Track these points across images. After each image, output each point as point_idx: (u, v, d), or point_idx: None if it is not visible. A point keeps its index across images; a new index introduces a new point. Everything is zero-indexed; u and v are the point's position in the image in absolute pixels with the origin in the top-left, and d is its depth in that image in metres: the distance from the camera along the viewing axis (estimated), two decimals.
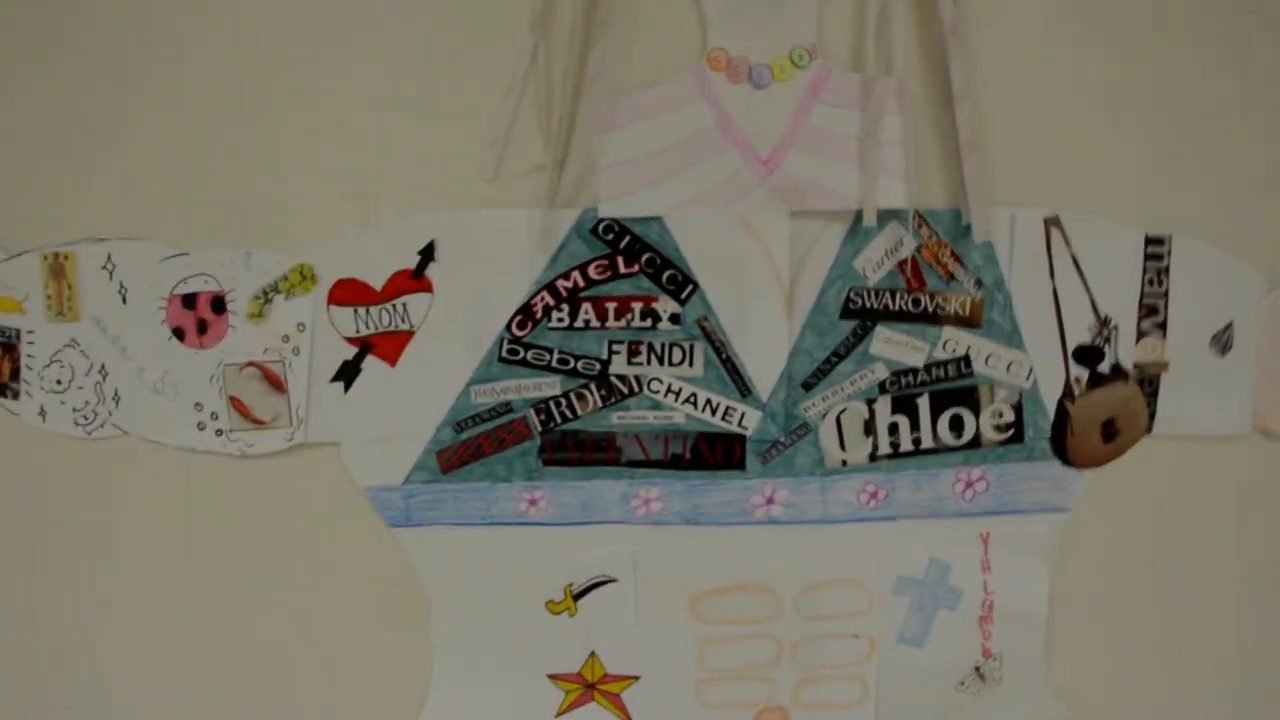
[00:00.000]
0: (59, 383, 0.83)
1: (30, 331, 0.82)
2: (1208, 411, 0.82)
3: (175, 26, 0.78)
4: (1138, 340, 0.80)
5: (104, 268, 0.81)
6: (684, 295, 0.78)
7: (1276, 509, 0.84)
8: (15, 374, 0.83)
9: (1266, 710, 0.86)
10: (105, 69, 0.79)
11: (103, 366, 0.82)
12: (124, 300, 0.81)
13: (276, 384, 0.80)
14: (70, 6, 0.78)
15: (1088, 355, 0.80)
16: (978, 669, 0.84)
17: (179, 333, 0.81)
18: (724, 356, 0.78)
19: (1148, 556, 0.84)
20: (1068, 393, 0.80)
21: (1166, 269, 0.80)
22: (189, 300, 0.81)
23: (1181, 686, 0.86)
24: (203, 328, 0.81)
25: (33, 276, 0.82)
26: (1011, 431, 0.81)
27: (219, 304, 0.81)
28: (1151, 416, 0.81)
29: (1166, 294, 0.80)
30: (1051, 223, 0.78)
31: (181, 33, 0.78)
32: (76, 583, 0.83)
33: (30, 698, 0.85)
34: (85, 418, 0.83)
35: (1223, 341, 0.81)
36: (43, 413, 0.83)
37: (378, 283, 0.79)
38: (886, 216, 0.77)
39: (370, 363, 0.80)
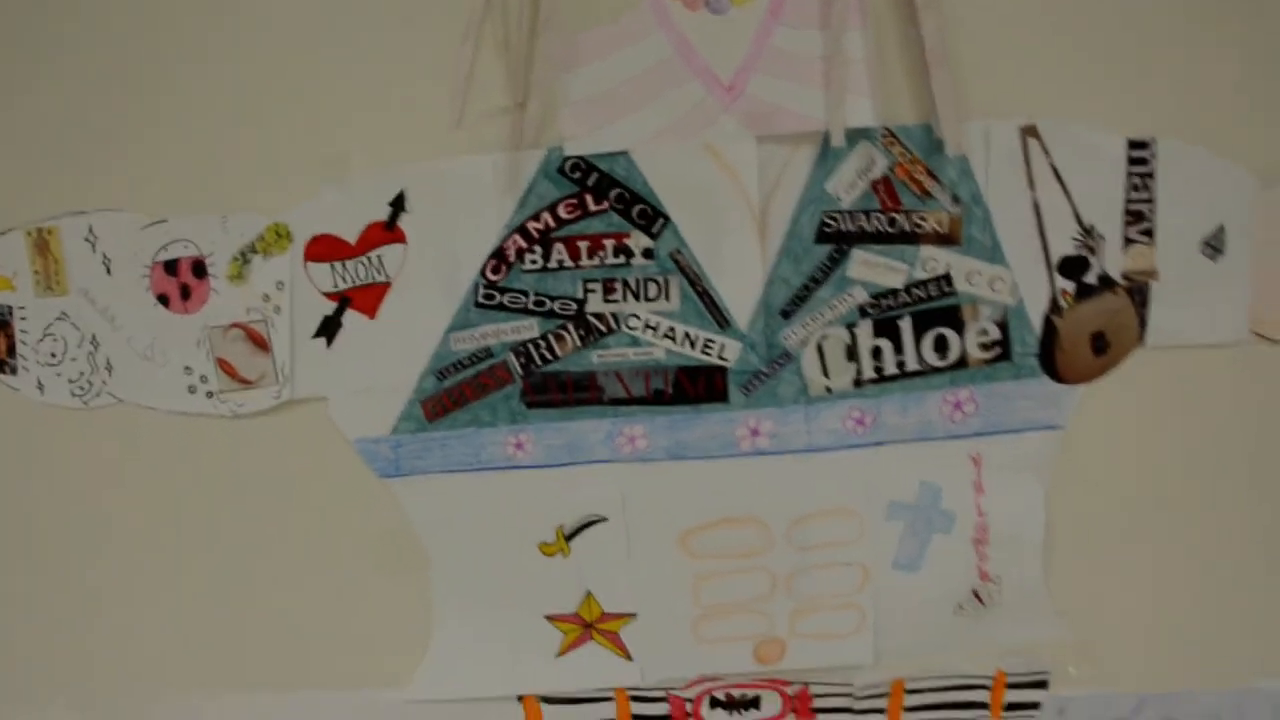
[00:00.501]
0: (53, 355, 0.85)
1: (22, 308, 0.85)
2: (1201, 319, 0.80)
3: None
4: (1125, 248, 0.79)
5: (86, 240, 0.83)
6: (656, 229, 0.78)
7: (1275, 414, 0.82)
8: (11, 350, 0.85)
9: (1272, 621, 0.84)
10: (75, 45, 0.80)
11: (94, 337, 0.84)
12: (108, 271, 0.82)
13: (261, 343, 0.82)
14: None
15: (1073, 267, 0.79)
16: (975, 592, 0.84)
17: (164, 299, 0.83)
18: (700, 289, 0.78)
19: (1146, 470, 0.83)
20: (1054, 307, 0.79)
21: (1151, 174, 0.78)
22: (171, 266, 0.82)
23: (1185, 601, 0.85)
24: (186, 293, 0.82)
25: (19, 253, 0.84)
26: (998, 349, 0.80)
27: (200, 268, 0.82)
28: (1143, 327, 0.80)
29: (1153, 199, 0.78)
30: (1028, 132, 0.77)
31: (147, 1, 0.79)
32: (83, 545, 0.86)
33: (32, 651, 0.88)
34: (81, 388, 0.85)
35: (1214, 245, 0.79)
36: (40, 386, 0.85)
37: (352, 236, 0.80)
38: (856, 136, 0.76)
39: (350, 316, 0.81)
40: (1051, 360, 0.80)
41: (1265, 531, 0.83)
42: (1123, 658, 0.86)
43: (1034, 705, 0.87)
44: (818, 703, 0.87)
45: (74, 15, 0.80)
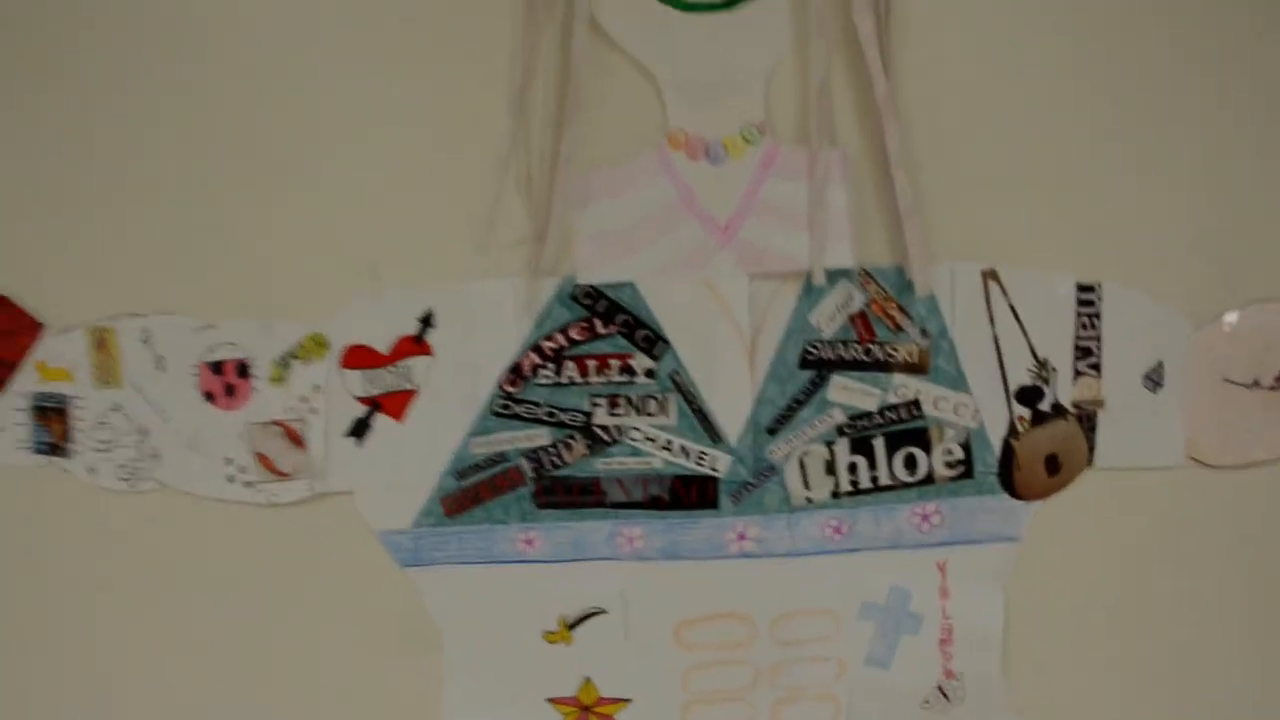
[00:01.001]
0: (105, 442, 0.94)
1: (80, 398, 0.94)
2: (1143, 444, 0.90)
3: (208, 124, 0.89)
4: (1075, 380, 0.89)
5: (142, 340, 0.92)
6: (657, 352, 0.88)
7: (1210, 533, 0.91)
8: (67, 435, 0.94)
9: (1205, 710, 0.93)
10: (143, 163, 0.90)
11: (143, 428, 0.93)
12: (160, 368, 0.92)
13: (297, 440, 0.91)
14: (116, 107, 0.90)
15: (1029, 395, 0.89)
16: (941, 689, 0.92)
17: (209, 396, 0.92)
18: (695, 406, 0.88)
19: (1096, 580, 0.92)
20: (1012, 431, 0.89)
21: (1098, 314, 0.88)
22: (217, 367, 0.92)
23: (1134, 701, 0.93)
24: (230, 391, 0.92)
25: (79, 349, 0.93)
26: (962, 468, 0.89)
27: (244, 369, 0.91)
28: (1091, 450, 0.89)
29: (1099, 337, 0.88)
30: (989, 275, 0.87)
31: (211, 129, 0.89)
32: (123, 617, 0.94)
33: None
34: (129, 473, 0.93)
35: (1154, 379, 0.89)
36: (92, 470, 0.94)
37: (384, 347, 0.89)
38: (836, 275, 0.86)
39: (379, 419, 0.90)
40: (1010, 479, 0.89)
41: (1203, 636, 0.92)
42: None
43: None
44: None
45: (137, 138, 0.90)
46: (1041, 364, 0.88)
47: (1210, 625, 0.92)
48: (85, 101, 0.90)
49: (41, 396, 0.94)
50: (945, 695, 0.92)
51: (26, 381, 0.94)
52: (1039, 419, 0.89)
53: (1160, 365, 0.89)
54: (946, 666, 0.91)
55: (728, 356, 0.87)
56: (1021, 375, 0.88)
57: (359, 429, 0.90)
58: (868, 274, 0.87)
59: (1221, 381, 0.90)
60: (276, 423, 0.91)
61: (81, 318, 0.92)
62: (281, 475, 0.91)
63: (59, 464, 0.94)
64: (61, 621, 0.94)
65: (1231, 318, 0.89)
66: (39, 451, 0.94)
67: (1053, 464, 0.89)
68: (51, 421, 0.94)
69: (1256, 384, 0.90)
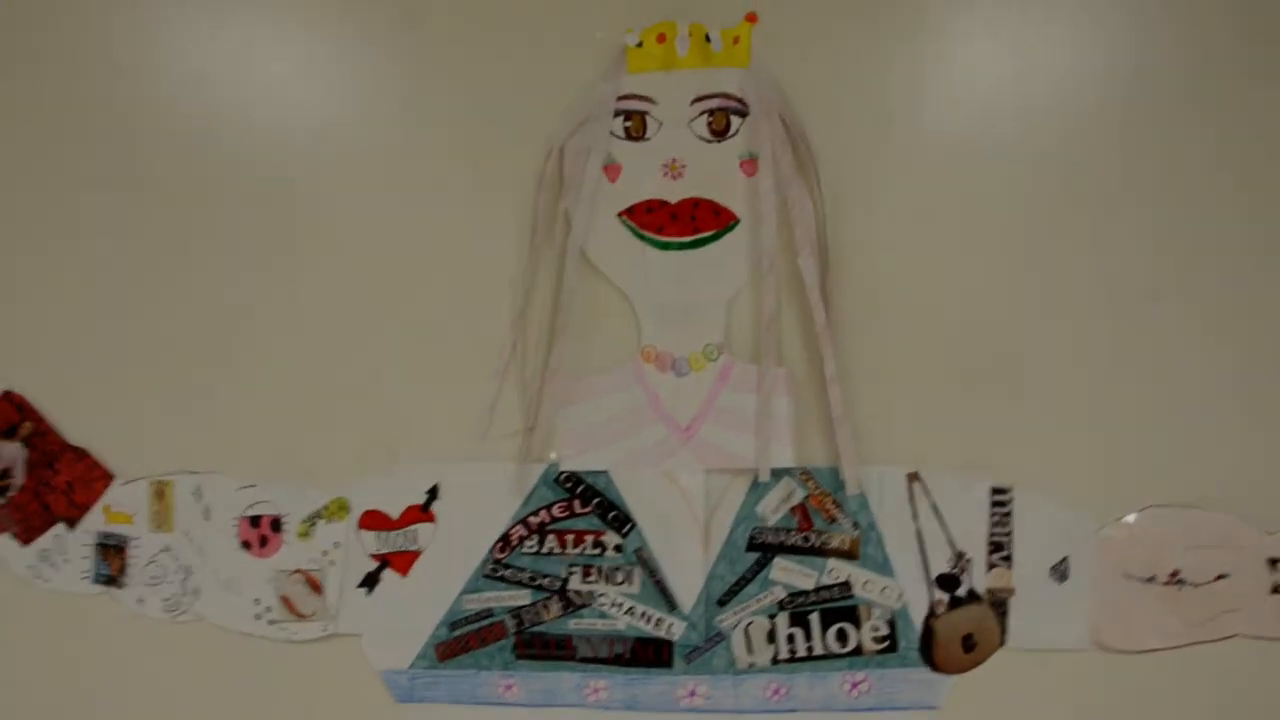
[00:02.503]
0: (154, 578, 1.12)
1: (136, 538, 1.13)
2: (1051, 629, 1.04)
3: (264, 322, 1.10)
4: (988, 570, 1.04)
5: (194, 493, 1.11)
6: (625, 530, 1.05)
7: (1111, 709, 1.05)
8: (123, 569, 1.13)
9: None
10: (207, 345, 1.11)
11: (188, 567, 1.11)
12: (207, 518, 1.11)
13: (316, 587, 1.09)
14: (187, 296, 1.11)
15: (947, 582, 1.04)
16: None
17: (246, 544, 1.10)
18: (656, 579, 1.05)
19: None
20: (932, 612, 1.04)
21: (1010, 513, 1.04)
22: (255, 521, 1.10)
23: None
24: (264, 542, 1.10)
25: (141, 498, 1.13)
26: (887, 642, 1.04)
27: (276, 524, 1.10)
28: (1004, 632, 1.04)
29: (1011, 533, 1.04)
30: (912, 477, 1.04)
31: (265, 327, 1.10)
32: (161, 710, 1.11)
33: None
34: (172, 606, 1.12)
35: (1060, 571, 1.04)
36: (141, 600, 1.12)
37: (395, 514, 1.08)
38: (780, 473, 1.03)
39: (387, 574, 1.08)
40: (930, 654, 1.04)
41: None
42: None
43: None
44: None
45: (203, 325, 1.11)
46: (959, 555, 1.04)
47: None
48: (159, 288, 1.11)
49: (105, 535, 1.13)
50: None
51: (94, 522, 1.13)
52: (956, 603, 1.04)
53: (1066, 560, 1.04)
54: None
55: (685, 537, 1.04)
56: (941, 564, 1.04)
57: (370, 581, 1.08)
58: (807, 473, 1.04)
59: (1122, 576, 1.05)
60: (300, 571, 1.09)
61: (146, 471, 1.12)
62: (302, 617, 1.09)
63: (113, 593, 1.13)
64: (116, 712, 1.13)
65: (1130, 519, 1.04)
66: (97, 581, 1.13)
67: (969, 643, 1.04)
68: (111, 557, 1.13)
69: (1153, 579, 1.05)
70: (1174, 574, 1.04)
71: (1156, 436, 1.04)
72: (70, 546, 1.14)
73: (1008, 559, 1.04)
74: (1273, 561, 1.04)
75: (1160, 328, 1.04)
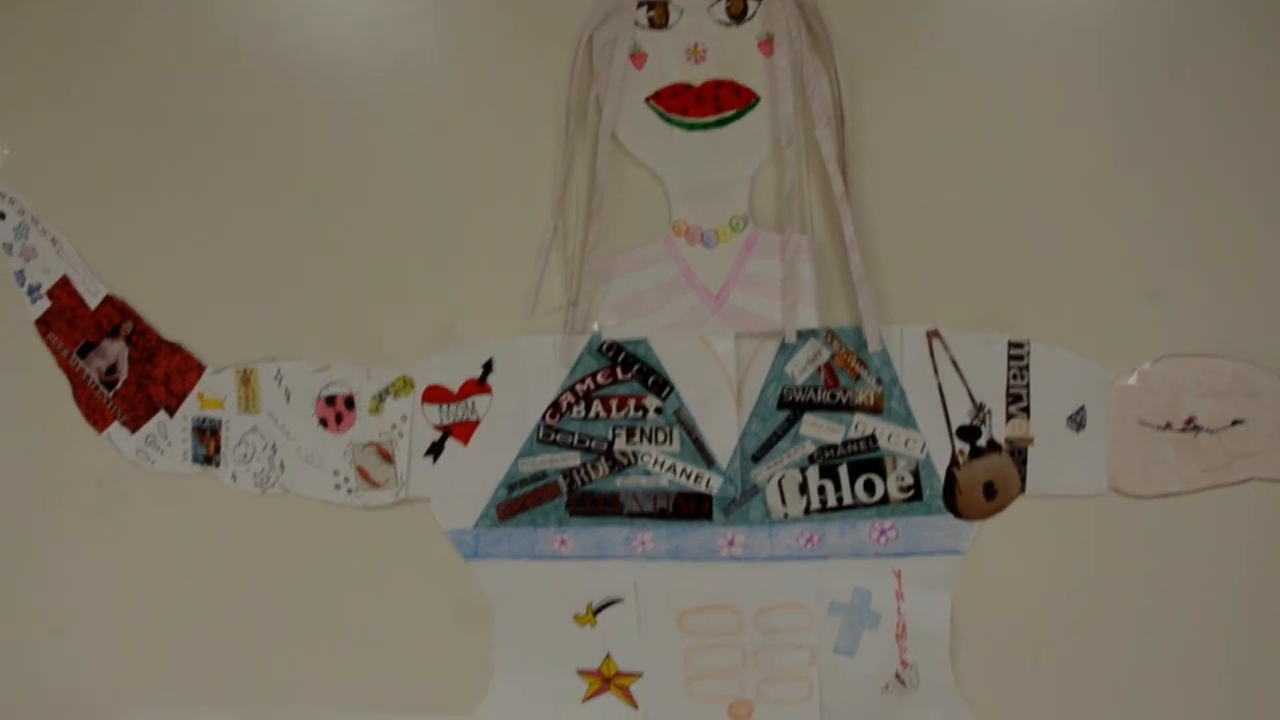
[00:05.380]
0: (245, 456, 1.31)
1: (227, 421, 1.32)
2: (1069, 476, 1.16)
3: (336, 221, 1.27)
4: (1007, 421, 1.16)
5: (275, 378, 1.29)
6: (664, 394, 1.20)
7: (1128, 551, 1.16)
8: (217, 450, 1.32)
9: (1143, 713, 1.18)
10: (284, 246, 1.28)
11: (274, 445, 1.30)
12: (288, 400, 1.29)
13: (387, 457, 1.26)
14: (267, 207, 1.28)
15: (968, 433, 1.16)
16: (898, 675, 1.19)
17: (323, 422, 1.28)
18: (694, 437, 1.19)
19: (1029, 588, 1.18)
20: (954, 462, 1.17)
21: (1027, 366, 1.15)
22: (330, 400, 1.28)
23: (1064, 688, 1.18)
24: (339, 419, 1.28)
25: (229, 384, 1.31)
26: (912, 492, 1.17)
27: (350, 402, 1.27)
28: (1023, 480, 1.16)
29: (1028, 385, 1.15)
30: (933, 334, 1.16)
31: (336, 225, 1.27)
32: (255, 587, 1.31)
33: (194, 665, 1.33)
34: (261, 480, 1.31)
35: (1077, 420, 1.15)
36: (234, 477, 1.31)
37: (454, 387, 1.24)
38: (806, 334, 1.16)
39: (450, 443, 1.24)
40: (953, 502, 1.17)
41: (1129, 637, 1.17)
42: None
43: None
44: None
45: (281, 230, 1.28)
46: (978, 407, 1.16)
47: (1127, 628, 1.17)
48: (239, 198, 1.29)
49: (200, 420, 1.32)
50: (902, 681, 1.20)
51: (190, 408, 1.33)
52: (976, 453, 1.16)
53: (1082, 409, 1.15)
54: (902, 657, 1.19)
55: (719, 398, 1.18)
56: (961, 416, 1.16)
57: (435, 450, 1.25)
58: (832, 333, 1.17)
59: (1138, 424, 1.15)
60: (373, 444, 1.27)
61: (233, 360, 1.31)
62: (376, 485, 1.27)
63: (210, 471, 1.32)
64: (209, 586, 1.32)
65: (1146, 368, 1.15)
66: (196, 461, 1.33)
67: (990, 490, 1.17)
68: (207, 438, 1.32)
69: (1169, 426, 1.15)
70: (1189, 421, 1.15)
71: (1170, 287, 1.15)
72: (171, 431, 1.33)
73: (1026, 410, 1.16)
74: None
75: (1174, 182, 1.14)
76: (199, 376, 1.32)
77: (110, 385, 1.35)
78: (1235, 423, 1.15)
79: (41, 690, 1.39)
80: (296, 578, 1.30)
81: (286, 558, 1.31)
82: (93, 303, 1.35)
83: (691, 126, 1.17)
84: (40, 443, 1.37)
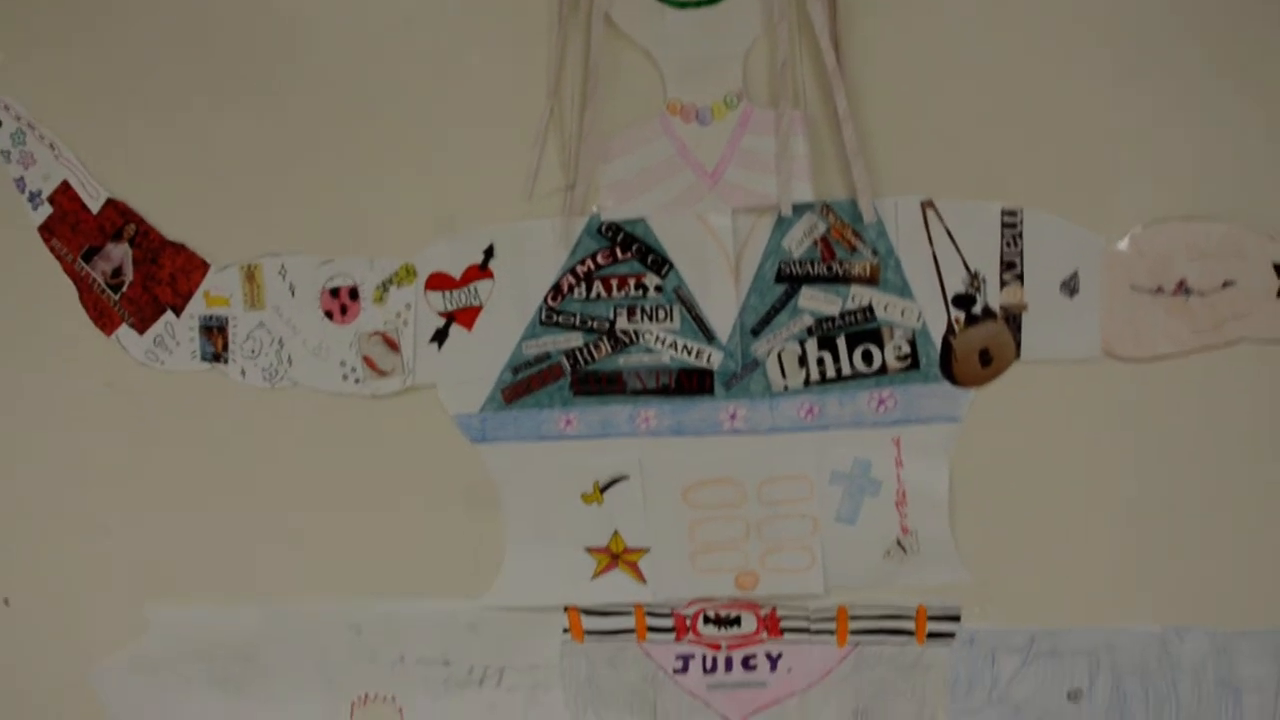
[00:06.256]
0: (253, 351, 1.36)
1: (234, 318, 1.36)
2: (1063, 340, 1.20)
3: (334, 114, 1.29)
4: (1001, 288, 1.20)
5: (280, 273, 1.33)
6: (663, 272, 1.24)
7: (1122, 413, 1.21)
8: (225, 347, 1.36)
9: (1137, 575, 1.23)
10: (281, 141, 1.31)
11: (281, 339, 1.34)
12: (293, 294, 1.33)
13: (393, 346, 1.31)
14: (262, 106, 1.31)
15: (963, 301, 1.21)
16: (899, 542, 1.25)
17: (329, 314, 1.32)
18: (694, 314, 1.24)
19: (1026, 453, 1.23)
20: (950, 330, 1.21)
21: (1020, 233, 1.19)
22: (334, 292, 1.32)
23: (1066, 557, 1.24)
24: (344, 310, 1.32)
25: (234, 281, 1.35)
26: (909, 360, 1.22)
27: (354, 293, 1.32)
28: (1018, 346, 1.21)
29: (1022, 252, 1.19)
30: (927, 205, 1.20)
31: (335, 118, 1.30)
32: (268, 475, 1.36)
33: (210, 554, 1.39)
34: (270, 375, 1.35)
35: (1070, 286, 1.20)
36: (243, 373, 1.36)
37: (457, 274, 1.28)
38: (801, 208, 1.20)
39: (454, 329, 1.29)
40: (950, 369, 1.22)
41: (1123, 498, 1.22)
42: (1018, 601, 1.26)
43: (949, 635, 1.27)
44: (784, 623, 1.29)
45: (279, 126, 1.31)
46: (973, 276, 1.20)
47: (1121, 486, 1.22)
48: (235, 97, 1.32)
49: (207, 318, 1.37)
50: (903, 548, 1.25)
51: (196, 307, 1.37)
52: (972, 320, 1.21)
53: (1075, 275, 1.19)
54: (902, 524, 1.25)
55: (718, 274, 1.23)
56: (956, 285, 1.21)
57: (439, 336, 1.29)
58: (827, 206, 1.21)
59: (1130, 289, 1.20)
60: (378, 333, 1.31)
61: (236, 258, 1.34)
62: (383, 373, 1.31)
63: (219, 369, 1.36)
64: (222, 481, 1.38)
65: (1137, 232, 1.19)
66: (204, 359, 1.37)
67: (985, 357, 1.21)
68: (214, 336, 1.37)
69: (1160, 290, 1.19)
70: (1181, 283, 1.19)
71: (1160, 150, 1.18)
72: (179, 331, 1.38)
73: (1020, 277, 1.20)
74: (1278, 267, 1.18)
75: (1165, 47, 1.17)
76: (204, 275, 1.36)
77: (116, 288, 1.39)
78: (1226, 285, 1.19)
79: (59, 590, 1.45)
80: (308, 469, 1.36)
81: (297, 450, 1.36)
82: (94, 207, 1.38)
83: (684, 4, 1.20)
84: (49, 348, 1.42)
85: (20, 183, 1.40)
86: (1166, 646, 1.26)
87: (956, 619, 1.27)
